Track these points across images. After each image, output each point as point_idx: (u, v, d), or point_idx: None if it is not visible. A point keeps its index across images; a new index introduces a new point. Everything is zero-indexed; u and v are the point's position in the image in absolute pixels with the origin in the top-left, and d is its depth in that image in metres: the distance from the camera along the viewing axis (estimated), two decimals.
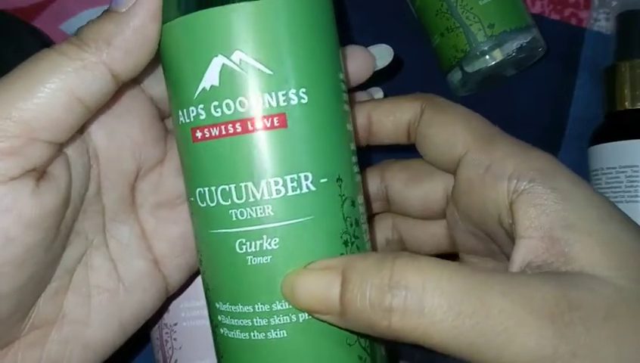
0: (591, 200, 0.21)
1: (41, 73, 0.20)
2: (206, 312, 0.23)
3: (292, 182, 0.20)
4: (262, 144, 0.20)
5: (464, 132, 0.24)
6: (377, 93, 0.30)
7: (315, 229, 0.21)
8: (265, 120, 0.20)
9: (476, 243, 0.26)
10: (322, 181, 0.21)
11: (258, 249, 0.20)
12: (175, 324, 0.29)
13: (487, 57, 0.33)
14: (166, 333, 0.30)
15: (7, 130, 0.20)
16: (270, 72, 0.20)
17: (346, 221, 0.21)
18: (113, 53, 0.21)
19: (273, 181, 0.20)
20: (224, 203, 0.21)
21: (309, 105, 0.21)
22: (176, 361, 0.29)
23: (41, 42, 0.33)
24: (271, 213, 0.20)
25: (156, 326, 0.30)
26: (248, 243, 0.21)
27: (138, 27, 0.21)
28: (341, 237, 0.21)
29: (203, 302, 0.24)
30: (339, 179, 0.21)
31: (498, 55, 0.33)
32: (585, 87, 0.37)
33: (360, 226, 0.22)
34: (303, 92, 0.20)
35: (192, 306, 0.29)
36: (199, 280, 0.25)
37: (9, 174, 0.20)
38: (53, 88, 0.20)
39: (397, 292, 0.19)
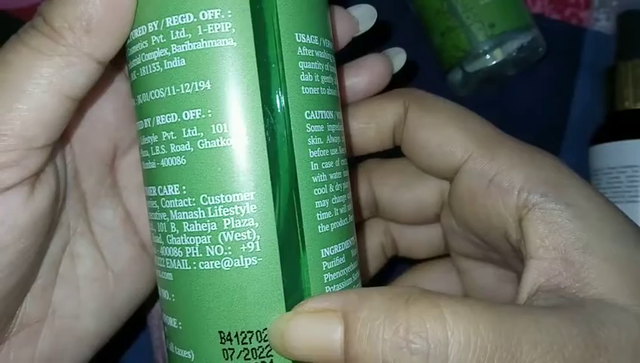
0: (606, 216, 0.20)
1: (21, 78, 0.18)
2: None
3: None
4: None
5: (462, 136, 0.22)
6: (398, 54, 0.26)
7: None
8: None
9: (474, 250, 0.25)
10: None
11: None
12: None
13: (488, 56, 0.33)
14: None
15: (2, 144, 0.18)
16: None
17: None
18: (93, 40, 0.18)
19: None
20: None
21: None
22: None
23: None
24: None
25: (156, 326, 0.30)
26: None
27: (113, 3, 0.18)
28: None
29: None
30: None
31: (498, 55, 0.33)
32: (585, 87, 0.37)
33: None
34: None
35: None
36: None
37: (4, 185, 0.19)
38: (39, 92, 0.18)
39: (417, 348, 0.16)
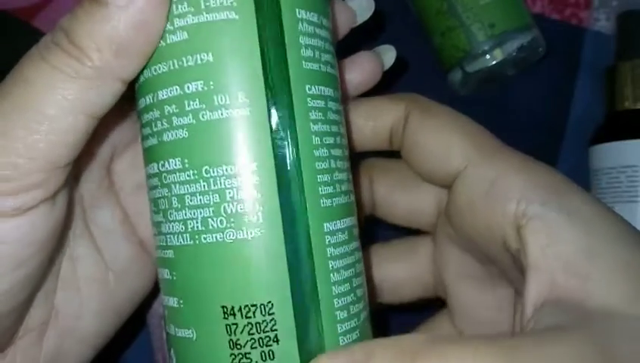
0: (606, 222, 0.19)
1: (44, 100, 0.17)
2: None
3: None
4: None
5: (462, 143, 0.22)
6: (388, 52, 0.26)
7: None
8: None
9: (471, 265, 0.24)
10: None
11: None
12: None
13: (488, 56, 0.33)
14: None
15: (27, 167, 0.18)
16: None
17: None
18: (122, 61, 0.18)
19: None
20: None
21: None
22: None
23: None
24: None
25: (157, 326, 0.30)
26: None
27: (143, 22, 0.17)
28: None
29: None
30: None
31: (498, 55, 0.33)
32: (585, 87, 0.37)
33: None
34: None
35: None
36: None
37: (29, 204, 0.18)
38: (62, 114, 0.18)
39: None
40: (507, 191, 0.20)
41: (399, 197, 0.26)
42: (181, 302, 0.19)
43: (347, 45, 0.25)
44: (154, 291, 0.28)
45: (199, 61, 0.18)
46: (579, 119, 0.37)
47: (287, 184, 0.18)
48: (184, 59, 0.18)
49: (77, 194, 0.23)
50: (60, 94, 0.17)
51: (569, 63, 0.37)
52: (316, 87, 0.19)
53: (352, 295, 0.19)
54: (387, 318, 0.31)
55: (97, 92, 0.18)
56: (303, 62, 0.19)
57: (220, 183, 0.18)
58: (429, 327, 0.27)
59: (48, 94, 0.17)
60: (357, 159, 0.26)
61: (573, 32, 0.37)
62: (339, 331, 0.19)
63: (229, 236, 0.18)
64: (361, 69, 0.25)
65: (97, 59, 0.17)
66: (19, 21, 0.34)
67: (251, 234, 0.18)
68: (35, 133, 0.17)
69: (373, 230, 0.29)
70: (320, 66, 0.19)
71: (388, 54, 0.26)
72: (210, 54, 0.18)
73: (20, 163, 0.18)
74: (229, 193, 0.18)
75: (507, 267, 0.22)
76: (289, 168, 0.18)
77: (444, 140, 0.22)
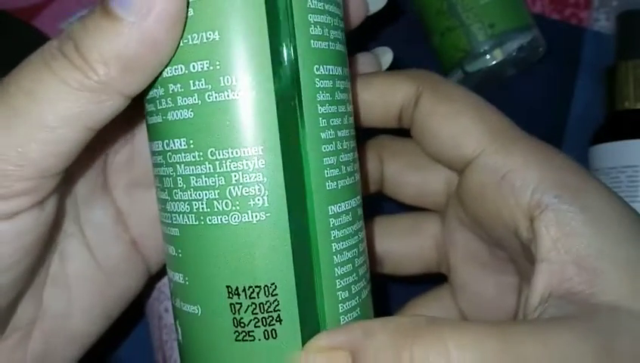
0: (622, 219, 0.19)
1: (44, 110, 0.17)
2: None
3: None
4: None
5: (477, 129, 0.21)
6: (386, 54, 0.26)
7: None
8: None
9: (478, 248, 0.24)
10: None
11: None
12: None
13: (488, 56, 0.33)
14: (166, 333, 0.30)
15: (17, 174, 0.17)
16: None
17: None
18: (127, 78, 0.17)
19: None
20: None
21: None
22: (176, 361, 0.29)
23: (42, 42, 0.33)
24: None
25: (156, 326, 0.30)
26: None
27: (153, 41, 0.17)
28: None
29: None
30: None
31: (498, 55, 0.33)
32: (585, 87, 0.37)
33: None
34: None
35: None
36: None
37: (16, 210, 0.18)
38: (61, 126, 0.17)
39: None
40: (522, 183, 0.20)
41: (409, 179, 0.25)
42: (187, 279, 0.19)
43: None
44: (152, 291, 0.28)
45: (205, 40, 0.18)
46: (579, 119, 0.37)
47: (292, 168, 0.18)
48: (189, 37, 0.18)
49: (71, 194, 0.23)
50: (62, 106, 0.17)
51: (569, 63, 0.37)
52: (324, 67, 0.19)
53: (354, 275, 0.19)
54: (387, 287, 0.31)
55: (99, 106, 0.18)
56: (312, 41, 0.18)
57: (226, 166, 0.18)
58: (429, 300, 0.27)
59: (50, 106, 0.17)
60: (364, 135, 0.25)
61: (573, 32, 0.37)
62: (340, 311, 0.19)
63: (234, 219, 0.18)
64: (359, 71, 0.25)
65: (104, 74, 0.17)
66: (19, 21, 0.34)
67: (256, 217, 0.18)
68: (32, 142, 0.17)
69: (378, 203, 0.29)
70: (329, 45, 0.19)
71: (385, 56, 0.26)
72: (217, 32, 0.17)
73: (10, 171, 0.17)
74: (235, 176, 0.18)
75: (516, 253, 0.22)
76: (295, 153, 0.18)
77: (458, 125, 0.22)
